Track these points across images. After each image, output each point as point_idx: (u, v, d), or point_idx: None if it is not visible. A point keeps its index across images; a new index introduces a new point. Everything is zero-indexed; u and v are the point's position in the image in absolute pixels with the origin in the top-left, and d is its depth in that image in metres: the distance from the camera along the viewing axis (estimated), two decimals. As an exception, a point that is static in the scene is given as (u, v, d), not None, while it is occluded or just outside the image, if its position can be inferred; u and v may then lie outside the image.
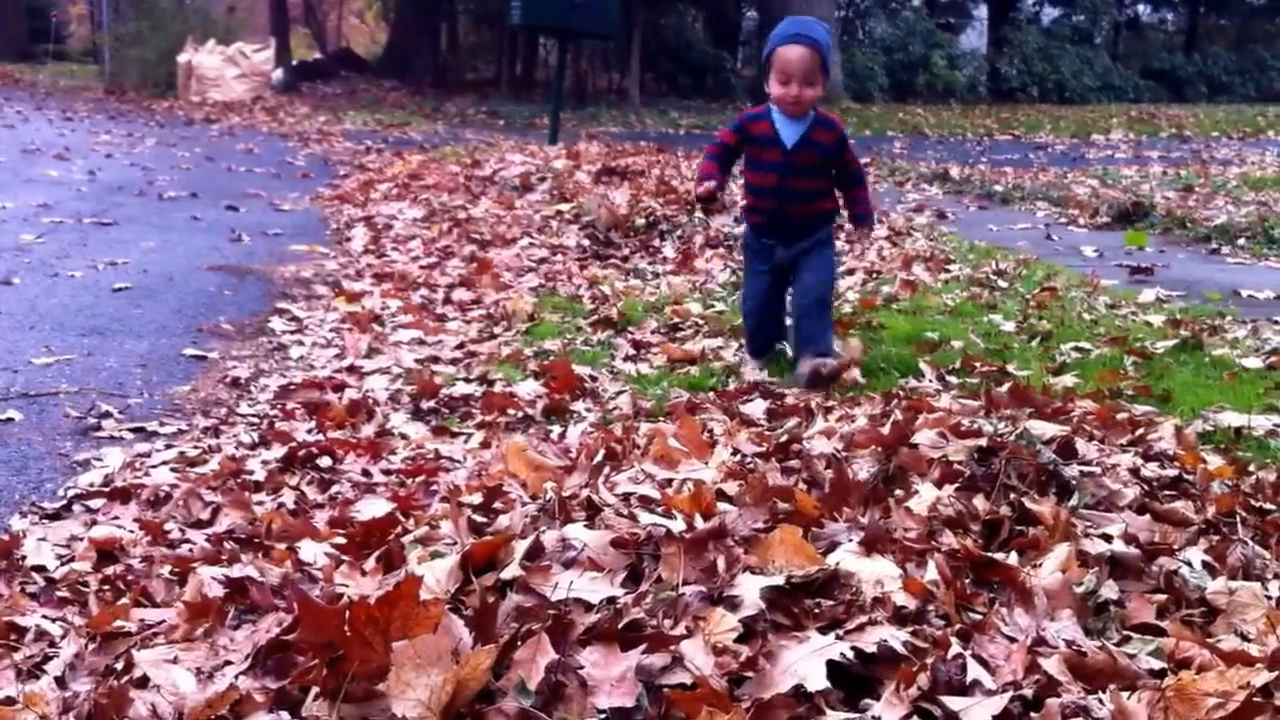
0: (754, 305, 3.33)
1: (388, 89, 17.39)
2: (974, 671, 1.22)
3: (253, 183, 8.02)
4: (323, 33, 25.20)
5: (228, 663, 1.44)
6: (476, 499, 1.84)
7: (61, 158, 8.63)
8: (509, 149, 8.91)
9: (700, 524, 1.52)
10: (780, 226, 3.20)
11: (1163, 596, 1.49)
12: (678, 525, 1.51)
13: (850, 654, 1.25)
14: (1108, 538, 1.59)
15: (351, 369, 3.51)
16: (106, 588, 1.84)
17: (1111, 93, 20.10)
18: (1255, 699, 1.18)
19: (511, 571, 1.46)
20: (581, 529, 1.56)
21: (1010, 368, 3.24)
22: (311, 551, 1.87)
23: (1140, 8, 23.42)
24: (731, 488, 1.72)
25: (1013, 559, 1.51)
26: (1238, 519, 1.74)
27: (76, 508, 2.31)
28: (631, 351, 3.70)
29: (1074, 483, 1.76)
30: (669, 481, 1.77)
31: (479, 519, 1.72)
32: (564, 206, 6.13)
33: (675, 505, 1.60)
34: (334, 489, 2.42)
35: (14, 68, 18.74)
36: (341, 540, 1.90)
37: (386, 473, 2.54)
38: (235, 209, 6.79)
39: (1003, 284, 4.70)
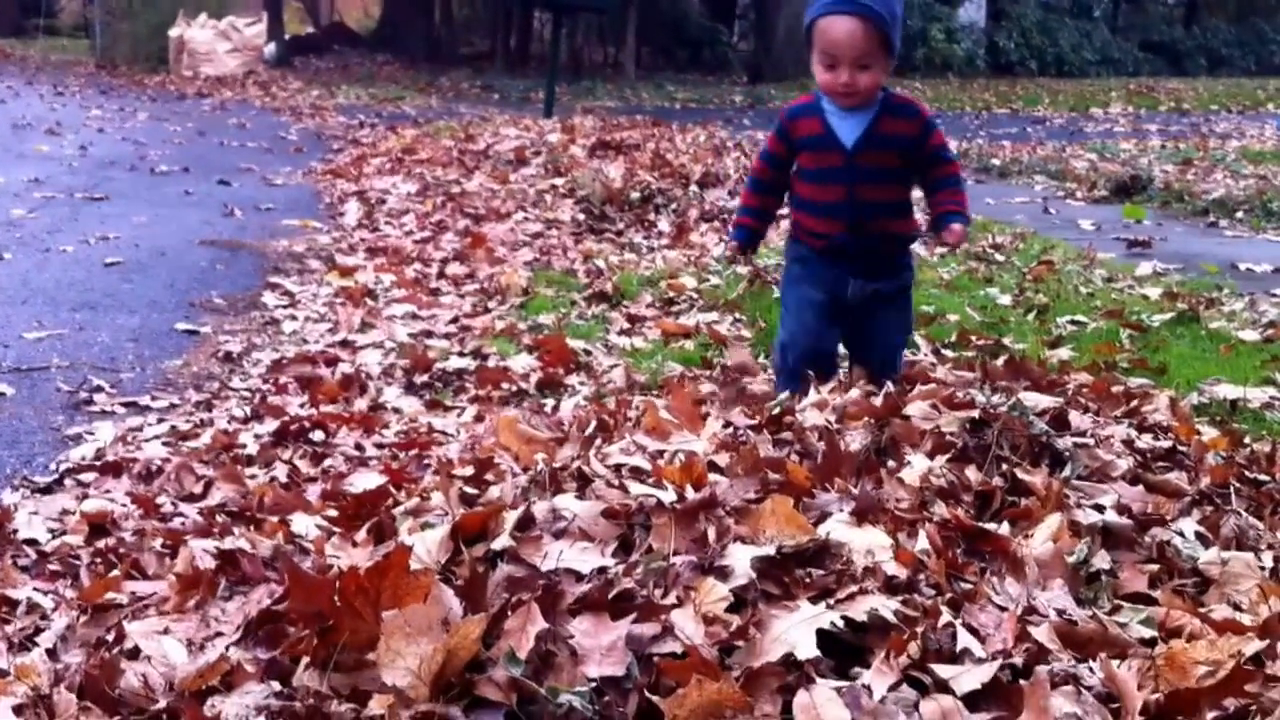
0: (806, 345, 2.37)
1: (381, 63, 17.23)
2: (964, 640, 1.22)
3: (245, 157, 7.96)
4: (315, 7, 24.94)
5: (219, 634, 1.44)
6: (468, 471, 1.84)
7: (53, 133, 8.56)
8: (503, 123, 8.84)
9: (691, 495, 1.52)
10: (858, 252, 2.35)
11: (1155, 567, 1.49)
12: (669, 496, 1.50)
13: (840, 623, 1.25)
14: (1100, 508, 1.59)
15: (344, 343, 3.50)
16: (98, 561, 1.84)
17: (1110, 66, 19.96)
18: (1246, 667, 1.18)
19: (502, 542, 1.45)
20: (572, 500, 1.55)
21: (1006, 341, 3.23)
22: (303, 524, 1.87)
23: (1140, -20, 23.24)
24: (723, 459, 1.71)
25: (1004, 529, 1.50)
26: (1232, 490, 1.73)
27: (68, 481, 2.30)
28: (626, 326, 3.69)
29: (1067, 454, 1.75)
30: (660, 453, 1.77)
31: (470, 491, 1.71)
32: (559, 181, 6.09)
33: (666, 476, 1.60)
34: (326, 463, 2.42)
35: (4, 43, 18.55)
36: (333, 513, 1.89)
37: (379, 446, 2.54)
38: (227, 184, 6.74)
39: (999, 258, 4.68)
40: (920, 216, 2.56)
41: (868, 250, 2.36)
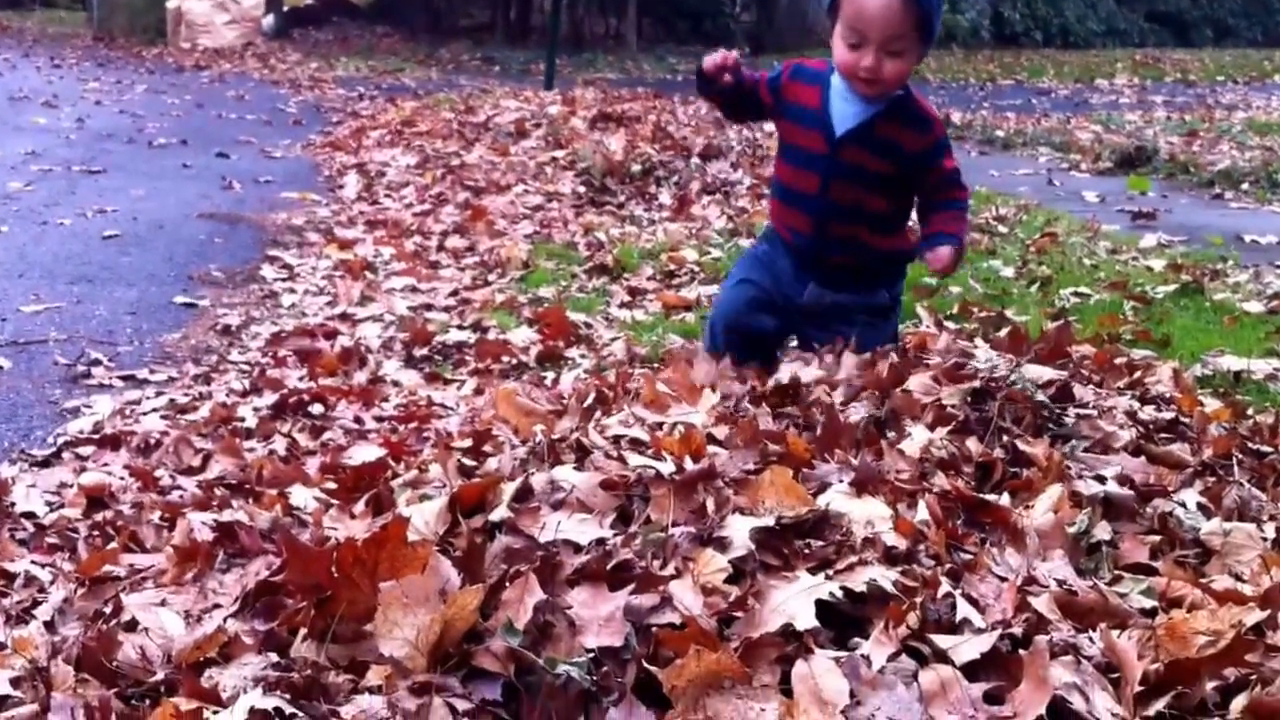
0: (733, 326, 2.14)
1: (381, 35, 17.07)
2: (964, 610, 1.22)
3: (244, 130, 7.90)
4: (314, -23, 24.64)
5: (216, 606, 1.43)
6: (466, 443, 1.83)
7: (50, 105, 8.49)
8: (504, 95, 8.77)
9: (690, 466, 1.51)
10: (821, 258, 2.09)
11: (1156, 538, 1.49)
12: (667, 467, 1.49)
13: (839, 594, 1.24)
14: (1101, 479, 1.58)
15: (344, 316, 3.48)
16: (96, 534, 1.84)
17: (1116, 37, 19.76)
18: (1247, 637, 1.18)
19: (500, 513, 1.44)
20: (570, 471, 1.54)
21: (1009, 313, 3.21)
22: (302, 497, 1.86)
23: (1148, -51, 22.92)
24: (722, 431, 1.70)
25: (1005, 500, 1.50)
26: (1234, 461, 1.73)
27: (66, 455, 2.30)
28: (627, 298, 3.68)
29: (1069, 424, 1.74)
30: (659, 425, 1.76)
31: (468, 463, 1.70)
32: (559, 153, 6.05)
33: (665, 447, 1.59)
34: (326, 436, 2.42)
35: (1, 15, 18.38)
36: (332, 486, 1.89)
37: (379, 420, 2.53)
38: (226, 156, 6.70)
39: (1003, 229, 4.65)
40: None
41: (833, 259, 2.07)
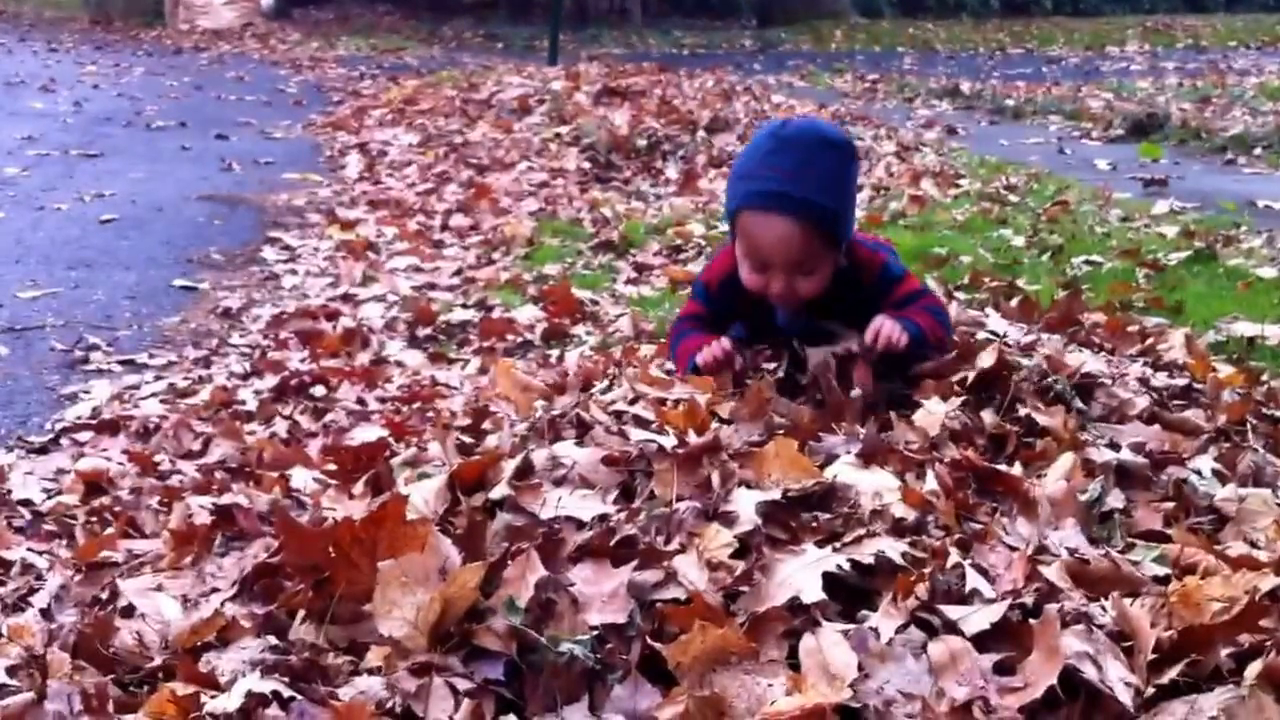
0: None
1: (382, 13, 16.94)
2: (973, 581, 1.19)
3: (243, 111, 7.84)
4: (313, -42, 24.46)
5: (214, 589, 1.42)
6: (465, 421, 1.81)
7: (47, 89, 8.43)
8: (507, 72, 8.69)
9: (694, 439, 1.48)
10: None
11: (1170, 505, 1.46)
12: (670, 441, 1.46)
13: (847, 566, 1.22)
14: (1115, 446, 1.55)
15: (346, 297, 3.46)
16: (94, 520, 1.82)
17: (1127, 3, 19.48)
18: (1261, 603, 1.15)
19: (500, 491, 1.42)
20: (571, 447, 1.52)
21: (1020, 282, 3.16)
22: (302, 478, 1.85)
23: (1157, -88, 22.54)
24: (726, 407, 1.67)
25: (1017, 469, 1.47)
26: (1249, 427, 1.70)
27: (64, 441, 2.28)
28: (633, 274, 3.65)
29: (1088, 395, 1.70)
30: (662, 401, 1.73)
31: (468, 440, 1.68)
32: (563, 129, 5.99)
33: (669, 421, 1.56)
34: (328, 417, 2.39)
35: (-2, 0, 18.29)
36: (333, 467, 1.87)
37: (382, 400, 2.51)
38: (225, 138, 6.65)
39: (1013, 198, 4.59)
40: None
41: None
